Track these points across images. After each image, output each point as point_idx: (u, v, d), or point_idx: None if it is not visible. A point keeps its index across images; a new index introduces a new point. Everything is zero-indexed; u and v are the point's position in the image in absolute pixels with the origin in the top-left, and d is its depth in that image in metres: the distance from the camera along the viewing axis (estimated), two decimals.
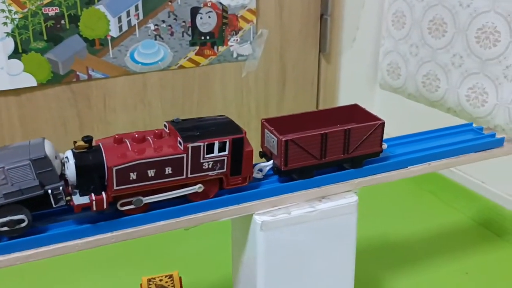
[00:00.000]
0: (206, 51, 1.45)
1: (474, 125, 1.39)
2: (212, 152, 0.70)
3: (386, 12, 1.66)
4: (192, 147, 0.68)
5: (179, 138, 0.69)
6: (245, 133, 0.73)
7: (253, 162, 0.78)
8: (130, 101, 1.41)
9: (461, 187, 1.51)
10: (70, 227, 0.67)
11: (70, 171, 0.64)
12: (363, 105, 0.87)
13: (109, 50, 1.33)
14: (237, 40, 1.47)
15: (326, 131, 0.78)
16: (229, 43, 1.47)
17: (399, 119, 1.76)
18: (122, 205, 0.68)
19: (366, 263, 1.23)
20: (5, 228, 0.62)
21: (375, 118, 0.83)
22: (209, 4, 1.40)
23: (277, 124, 0.79)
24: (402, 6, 1.58)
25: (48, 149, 0.64)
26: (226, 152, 0.71)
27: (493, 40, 1.31)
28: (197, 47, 1.43)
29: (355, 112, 0.90)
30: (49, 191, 0.63)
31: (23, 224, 0.63)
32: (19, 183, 0.62)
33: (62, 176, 0.66)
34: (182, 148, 0.68)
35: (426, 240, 1.34)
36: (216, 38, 1.44)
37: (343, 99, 1.75)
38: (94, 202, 0.64)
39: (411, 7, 1.55)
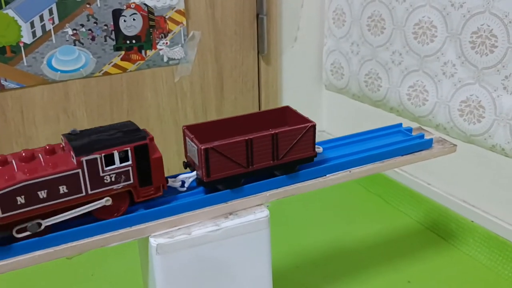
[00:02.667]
0: (133, 56, 1.36)
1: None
2: (113, 164, 0.64)
3: (327, 10, 1.60)
4: (86, 160, 0.62)
5: (72, 152, 0.62)
6: (152, 138, 0.67)
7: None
8: (52, 112, 1.31)
9: (408, 189, 1.45)
10: None
11: None
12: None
13: (23, 57, 1.23)
14: (166, 43, 1.39)
15: (251, 137, 0.72)
16: (158, 47, 1.38)
17: (345, 120, 1.70)
18: (19, 231, 0.61)
19: (307, 273, 1.16)
20: None
21: (306, 121, 0.77)
22: (132, 6, 1.31)
23: (201, 131, 0.74)
24: (342, 3, 1.52)
25: None
26: (130, 162, 0.65)
27: (430, 35, 1.26)
28: (123, 52, 1.34)
29: (286, 115, 0.83)
30: None
31: None
32: None
33: None
34: (75, 162, 0.62)
35: (371, 246, 1.28)
36: (143, 41, 1.35)
37: (287, 101, 1.68)
38: None
39: (350, 3, 1.49)
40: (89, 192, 0.64)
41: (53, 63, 1.26)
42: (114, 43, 1.32)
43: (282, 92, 1.67)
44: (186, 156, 0.76)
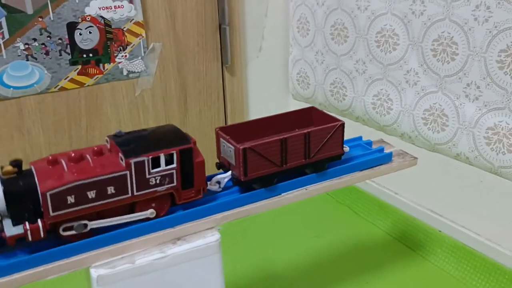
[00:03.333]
0: (90, 70, 1.31)
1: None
2: (159, 166, 0.65)
3: (291, 19, 1.57)
4: (135, 162, 0.63)
5: (120, 154, 0.63)
6: (194, 142, 0.68)
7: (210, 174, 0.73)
8: (4, 130, 1.26)
9: (376, 199, 1.43)
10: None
11: None
12: None
13: None
14: (125, 56, 1.35)
15: (285, 136, 0.74)
16: (117, 60, 1.34)
17: None
18: (65, 229, 0.62)
19: None
20: None
21: (334, 120, 0.80)
22: (88, 19, 1.27)
23: (233, 132, 0.75)
24: (305, 11, 1.50)
25: None
26: (175, 165, 0.66)
27: (393, 43, 1.24)
28: (79, 66, 1.30)
29: (312, 115, 0.86)
30: None
31: None
32: None
33: None
34: (124, 164, 0.63)
35: (340, 259, 1.25)
36: (100, 55, 1.31)
37: (254, 112, 1.65)
38: (28, 232, 0.59)
39: (313, 12, 1.46)
40: (135, 193, 0.64)
41: (5, 79, 1.21)
42: (69, 57, 1.28)
43: (248, 102, 1.64)
44: (219, 157, 0.77)
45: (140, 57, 1.37)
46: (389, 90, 1.28)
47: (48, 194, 0.59)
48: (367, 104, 1.35)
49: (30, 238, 0.60)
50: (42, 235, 0.61)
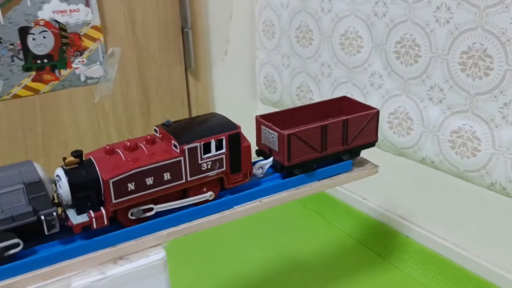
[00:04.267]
0: (45, 76, 1.26)
1: None
2: (210, 152, 0.68)
3: (257, 22, 1.54)
4: (188, 148, 0.66)
5: (173, 141, 0.66)
6: (240, 127, 0.70)
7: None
8: None
9: (345, 205, 1.40)
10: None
11: (64, 190, 0.61)
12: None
13: None
14: (83, 61, 1.29)
15: (326, 123, 0.76)
16: (74, 65, 1.29)
17: None
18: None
19: None
20: None
21: (369, 108, 0.81)
22: (41, 23, 1.21)
23: (272, 120, 0.77)
24: (270, 14, 1.46)
25: (41, 172, 0.60)
26: (224, 150, 0.69)
27: (357, 46, 1.21)
28: (33, 73, 1.24)
29: (344, 104, 0.87)
30: (42, 217, 0.59)
31: (14, 251, 0.59)
32: (10, 209, 0.58)
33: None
34: (178, 150, 0.65)
35: (307, 268, 1.22)
36: (56, 60, 1.26)
37: None
38: (94, 220, 0.61)
39: (278, 15, 1.43)
40: (189, 179, 0.67)
41: None
42: (23, 63, 1.22)
43: (214, 107, 1.60)
44: (258, 144, 0.80)
45: (98, 63, 1.32)
46: (355, 93, 1.25)
47: (110, 181, 0.61)
48: None
49: (95, 226, 0.62)
50: (105, 222, 0.63)
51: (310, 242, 1.32)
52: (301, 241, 1.33)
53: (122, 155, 0.65)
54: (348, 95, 1.27)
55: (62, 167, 0.62)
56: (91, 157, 0.64)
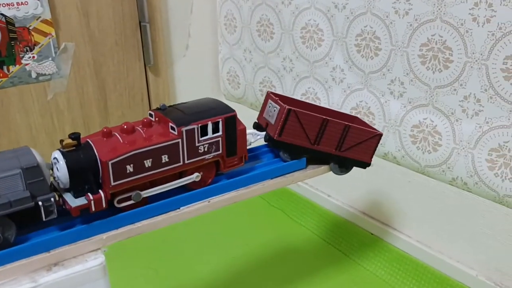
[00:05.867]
0: None
1: None
2: (206, 134, 0.68)
3: (218, 15, 1.50)
4: (186, 130, 0.65)
5: (171, 123, 0.65)
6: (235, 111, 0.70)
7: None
8: None
9: (309, 202, 1.38)
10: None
11: (62, 172, 0.59)
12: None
13: None
14: (33, 57, 1.23)
15: (328, 118, 0.76)
16: (23, 61, 1.23)
17: None
18: (120, 201, 0.63)
19: None
20: None
21: (374, 129, 0.81)
22: None
23: (283, 99, 0.77)
24: (232, 7, 1.42)
25: (39, 157, 0.59)
26: (220, 133, 0.69)
27: (318, 39, 1.18)
28: None
29: (354, 122, 0.85)
30: (40, 203, 0.58)
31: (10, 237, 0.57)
32: (7, 194, 0.56)
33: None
34: (176, 133, 0.65)
35: (270, 267, 1.19)
36: (4, 56, 1.20)
37: None
38: (92, 202, 0.60)
39: (239, 8, 1.39)
40: (186, 161, 0.66)
41: None
42: None
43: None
44: (259, 118, 0.80)
45: (50, 58, 1.26)
46: (317, 88, 1.23)
47: (110, 163, 0.60)
48: None
49: (93, 209, 0.60)
50: (104, 205, 0.61)
51: (273, 241, 1.29)
52: (264, 239, 1.29)
53: (119, 138, 0.63)
54: (311, 90, 1.24)
55: (59, 149, 0.61)
56: (88, 140, 0.62)
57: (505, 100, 0.85)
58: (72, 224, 0.63)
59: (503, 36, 0.83)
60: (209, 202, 0.71)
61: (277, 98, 0.77)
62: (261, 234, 1.32)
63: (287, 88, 1.31)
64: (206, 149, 0.68)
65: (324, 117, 0.76)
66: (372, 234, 1.21)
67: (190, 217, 0.70)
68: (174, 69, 1.51)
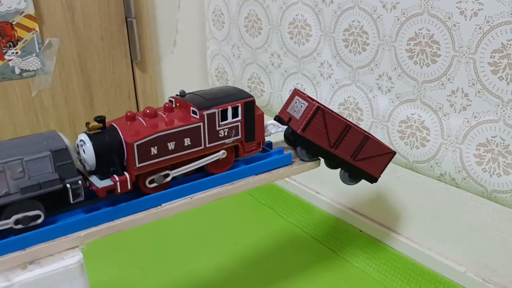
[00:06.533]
0: None
1: None
2: (226, 119, 0.69)
3: (206, 11, 1.48)
4: (207, 114, 0.67)
5: (192, 108, 0.67)
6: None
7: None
8: None
9: (298, 199, 1.36)
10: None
11: (88, 154, 0.60)
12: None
13: None
14: (17, 53, 1.21)
15: (351, 124, 0.78)
16: (7, 57, 1.21)
17: None
18: (151, 182, 0.65)
19: None
20: (19, 226, 0.57)
21: (389, 148, 0.83)
22: None
23: (310, 97, 0.79)
24: (219, 3, 1.41)
25: (67, 140, 0.60)
26: (239, 117, 0.70)
27: (305, 34, 1.17)
28: None
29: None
30: (68, 185, 0.59)
31: (39, 221, 0.58)
32: (36, 176, 0.57)
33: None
34: (198, 116, 0.67)
35: (259, 266, 1.17)
36: None
37: None
38: (118, 184, 0.61)
39: (227, 3, 1.38)
40: (207, 145, 0.68)
41: None
42: None
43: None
44: (281, 113, 0.81)
45: (34, 54, 1.24)
46: (305, 84, 1.21)
47: (135, 144, 0.61)
48: (284, 100, 1.28)
49: (119, 190, 0.62)
50: (129, 187, 0.62)
51: (262, 239, 1.27)
52: (252, 238, 1.28)
53: (143, 121, 0.65)
54: (299, 86, 1.23)
55: (85, 132, 0.62)
56: (113, 123, 0.64)
57: (493, 94, 0.85)
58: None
59: (491, 29, 0.82)
60: (191, 199, 0.70)
61: (305, 95, 0.78)
62: (250, 231, 1.31)
63: (275, 84, 1.30)
64: (226, 134, 0.70)
65: (348, 122, 0.78)
66: (360, 231, 1.20)
67: (171, 214, 0.69)
68: (162, 66, 1.49)
